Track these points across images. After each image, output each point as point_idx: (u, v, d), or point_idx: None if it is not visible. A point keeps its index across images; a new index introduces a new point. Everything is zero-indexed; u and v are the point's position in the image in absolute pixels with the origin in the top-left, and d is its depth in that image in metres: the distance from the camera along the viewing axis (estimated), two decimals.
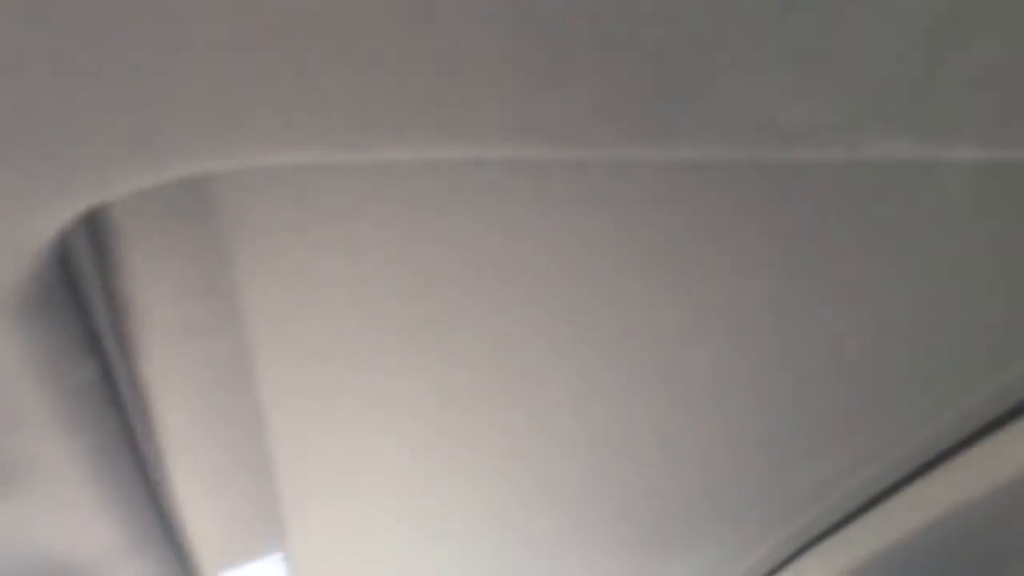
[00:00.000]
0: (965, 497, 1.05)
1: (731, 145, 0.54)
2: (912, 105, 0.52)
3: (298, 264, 0.68)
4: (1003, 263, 0.79)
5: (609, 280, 0.76)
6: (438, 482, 1.02)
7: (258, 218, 0.64)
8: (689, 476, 1.10)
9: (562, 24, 0.42)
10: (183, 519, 0.93)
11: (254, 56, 0.41)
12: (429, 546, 1.17)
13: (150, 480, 0.89)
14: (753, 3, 0.43)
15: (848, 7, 0.44)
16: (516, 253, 0.70)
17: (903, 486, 1.16)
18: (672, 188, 0.68)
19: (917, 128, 0.55)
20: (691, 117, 0.50)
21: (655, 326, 0.83)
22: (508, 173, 0.63)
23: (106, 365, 0.73)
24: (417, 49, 0.42)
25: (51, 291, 0.60)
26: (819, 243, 0.76)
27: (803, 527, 1.25)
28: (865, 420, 1.03)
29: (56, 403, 0.68)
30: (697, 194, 0.69)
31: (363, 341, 0.76)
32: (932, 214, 0.75)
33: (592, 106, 0.48)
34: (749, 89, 0.49)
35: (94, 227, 0.60)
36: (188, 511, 0.93)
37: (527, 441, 0.96)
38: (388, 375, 0.81)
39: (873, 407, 1.01)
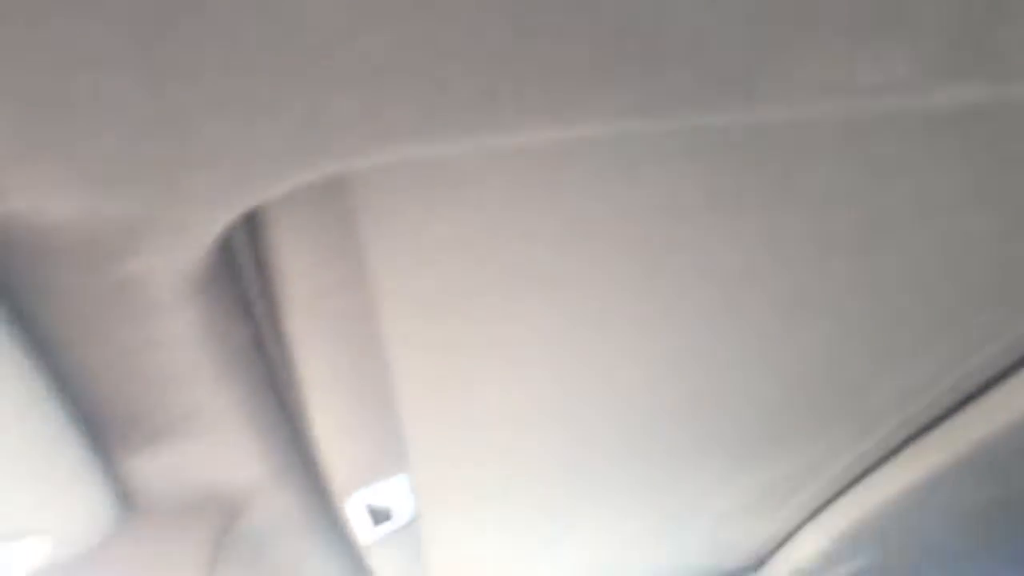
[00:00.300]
0: None
1: (815, 104, 0.59)
2: (979, 52, 0.56)
3: (417, 229, 0.76)
4: None
5: (702, 220, 0.81)
6: (543, 411, 1.11)
7: (381, 191, 0.72)
8: (786, 386, 1.15)
9: (657, 27, 0.48)
10: (321, 451, 1.05)
11: (397, 76, 0.48)
12: (535, 466, 1.27)
13: (293, 421, 1.00)
14: None
15: None
16: (610, 209, 0.77)
17: (987, 390, 1.20)
18: (758, 135, 0.73)
19: (985, 72, 0.58)
20: (777, 85, 0.56)
21: (747, 256, 0.88)
22: (598, 144, 0.69)
23: (257, 327, 0.83)
24: (527, 57, 0.49)
25: (214, 270, 0.70)
26: (900, 173, 0.80)
27: (894, 429, 1.30)
28: (954, 322, 1.06)
29: (219, 361, 0.79)
30: (783, 138, 0.74)
31: (474, 292, 0.84)
32: (1006, 141, 0.78)
33: (691, 85, 0.54)
34: (829, 58, 0.54)
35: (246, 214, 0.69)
36: (325, 444, 1.04)
37: (628, 369, 1.04)
38: (497, 320, 0.89)
39: (962, 311, 1.04)
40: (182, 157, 0.50)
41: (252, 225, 0.71)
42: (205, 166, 0.52)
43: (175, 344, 0.71)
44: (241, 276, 0.76)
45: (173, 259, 0.60)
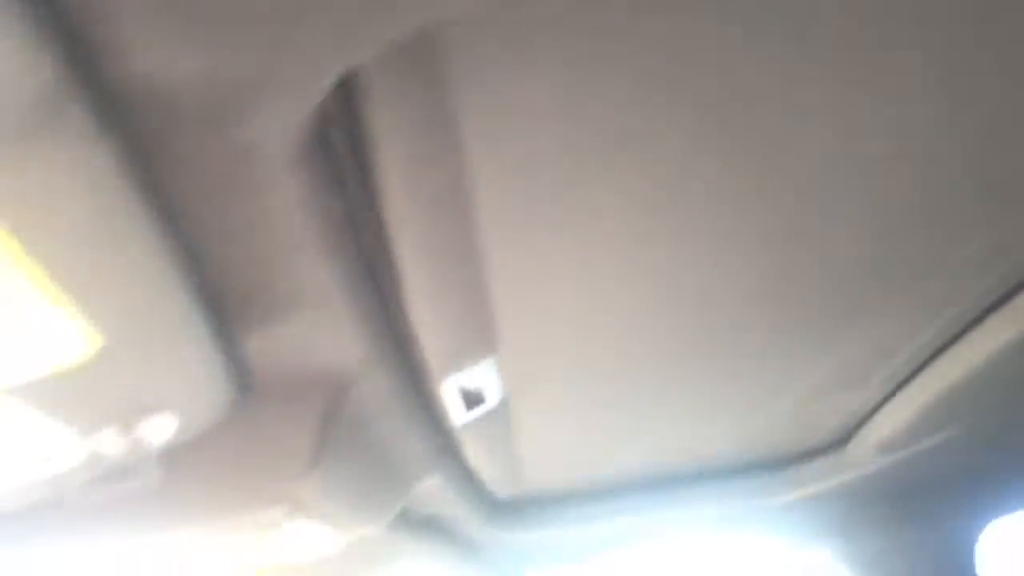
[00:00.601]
0: None
1: None
2: None
3: (506, 97, 0.77)
4: None
5: (796, 72, 0.80)
6: (629, 291, 1.13)
7: (471, 61, 0.73)
8: (870, 256, 1.14)
9: None
10: (415, 333, 1.09)
11: None
12: (621, 346, 1.29)
13: (390, 303, 1.04)
14: None
15: None
16: (700, 67, 0.76)
17: None
18: None
19: None
20: None
21: (826, 111, 0.86)
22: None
23: (351, 204, 0.86)
24: None
25: (316, 142, 0.72)
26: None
27: (978, 296, 1.28)
28: None
29: (318, 236, 0.82)
30: None
31: (565, 160, 0.85)
32: None
33: None
34: None
35: (339, 87, 0.71)
36: (419, 327, 1.07)
37: (712, 239, 1.04)
38: (588, 189, 0.90)
39: None
40: (289, 12, 0.52)
41: (347, 101, 0.73)
42: (310, 22, 0.53)
43: (283, 217, 0.75)
44: (338, 153, 0.79)
45: (282, 124, 0.63)
